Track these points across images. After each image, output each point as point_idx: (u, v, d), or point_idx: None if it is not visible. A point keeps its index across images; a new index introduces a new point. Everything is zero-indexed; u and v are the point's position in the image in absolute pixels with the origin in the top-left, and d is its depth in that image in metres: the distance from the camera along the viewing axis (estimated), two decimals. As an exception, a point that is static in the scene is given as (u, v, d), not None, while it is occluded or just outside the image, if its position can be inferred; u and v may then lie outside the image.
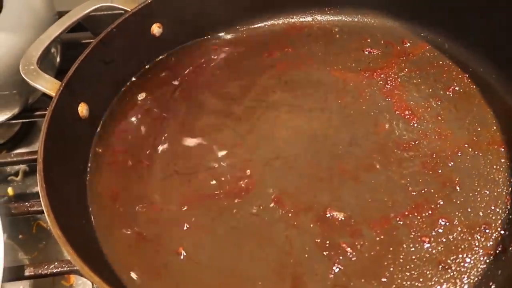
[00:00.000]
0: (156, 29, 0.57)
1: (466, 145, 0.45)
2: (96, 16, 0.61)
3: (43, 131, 0.42)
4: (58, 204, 0.37)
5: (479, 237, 0.39)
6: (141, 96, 0.56)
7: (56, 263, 0.41)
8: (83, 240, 0.39)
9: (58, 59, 0.60)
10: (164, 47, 0.58)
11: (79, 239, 0.36)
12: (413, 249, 0.39)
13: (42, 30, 0.52)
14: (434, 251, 0.39)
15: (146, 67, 0.58)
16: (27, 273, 0.41)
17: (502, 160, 0.44)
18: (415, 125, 0.48)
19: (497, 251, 0.38)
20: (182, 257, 0.42)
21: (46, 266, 0.41)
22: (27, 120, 0.63)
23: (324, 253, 0.40)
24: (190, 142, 0.51)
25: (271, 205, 0.44)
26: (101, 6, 0.56)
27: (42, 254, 0.52)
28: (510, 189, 0.42)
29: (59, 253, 0.52)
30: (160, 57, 0.59)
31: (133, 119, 0.53)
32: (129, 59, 0.55)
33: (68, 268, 0.41)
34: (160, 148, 0.51)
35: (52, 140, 0.42)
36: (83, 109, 0.48)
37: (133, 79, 0.56)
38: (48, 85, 0.47)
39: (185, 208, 0.45)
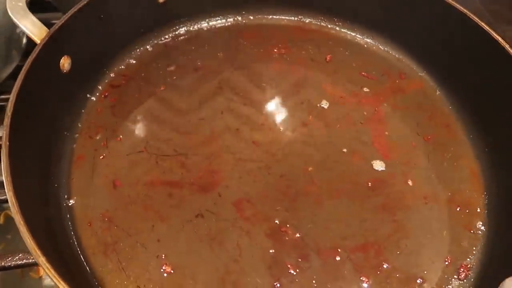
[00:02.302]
0: (161, -7, 0.54)
1: (427, 197, 0.47)
2: None
3: (20, 79, 0.40)
4: (22, 171, 0.36)
5: (413, 288, 0.41)
6: (132, 63, 0.55)
7: (20, 255, 0.38)
8: (44, 213, 0.38)
9: (24, 40, 0.56)
10: (165, 18, 0.56)
11: (41, 216, 0.35)
12: (350, 285, 0.41)
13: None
14: (369, 291, 0.41)
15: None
16: (-11, 265, 0.38)
17: (455, 220, 0.46)
18: (387, 163, 0.49)
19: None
20: (132, 238, 0.42)
21: (10, 258, 0.38)
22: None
23: (270, 268, 0.41)
24: (169, 123, 0.50)
25: (231, 208, 0.45)
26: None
27: (10, 246, 0.50)
28: (452, 248, 0.44)
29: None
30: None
31: (119, 87, 0.52)
32: (125, 21, 0.52)
33: (33, 260, 0.38)
34: (136, 125, 0.50)
35: (26, 93, 0.40)
36: (65, 63, 0.46)
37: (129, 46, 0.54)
38: (34, 29, 0.44)
39: (146, 190, 0.45)
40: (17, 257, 0.39)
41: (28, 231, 0.31)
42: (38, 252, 0.30)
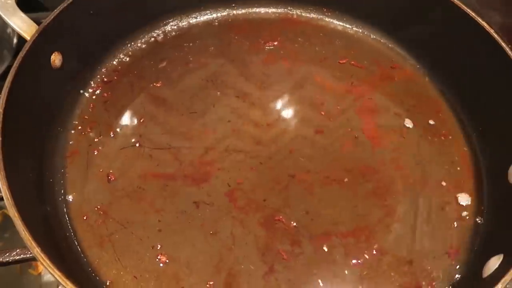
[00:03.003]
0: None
1: (417, 183, 0.48)
2: None
3: (11, 75, 0.40)
4: (16, 166, 0.36)
5: (403, 272, 0.42)
6: (123, 59, 0.55)
7: (18, 250, 0.38)
8: (40, 208, 0.39)
9: (15, 40, 0.56)
10: (155, 12, 0.56)
11: (38, 212, 0.35)
12: (342, 268, 0.42)
13: None
14: (359, 274, 0.42)
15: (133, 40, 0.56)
16: (-13, 261, 0.39)
17: (445, 204, 0.47)
18: (377, 150, 0.50)
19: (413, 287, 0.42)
20: (127, 231, 0.43)
21: (8, 254, 0.39)
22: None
23: (263, 255, 0.42)
24: (161, 118, 0.51)
25: (224, 198, 0.45)
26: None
27: (8, 244, 0.50)
28: (442, 231, 0.45)
29: None
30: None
31: (111, 83, 0.53)
32: (115, 16, 0.52)
33: (32, 255, 0.37)
34: (129, 119, 0.50)
35: (17, 90, 0.40)
36: (56, 59, 0.47)
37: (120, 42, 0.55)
38: (24, 26, 0.45)
39: (140, 182, 0.46)
40: (14, 253, 0.39)
41: (23, 223, 0.32)
42: (33, 243, 0.31)
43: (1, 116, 0.37)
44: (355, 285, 0.41)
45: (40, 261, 0.31)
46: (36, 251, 0.31)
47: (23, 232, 0.31)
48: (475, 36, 0.51)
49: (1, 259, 0.39)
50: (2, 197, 0.40)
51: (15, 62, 0.41)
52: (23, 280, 0.50)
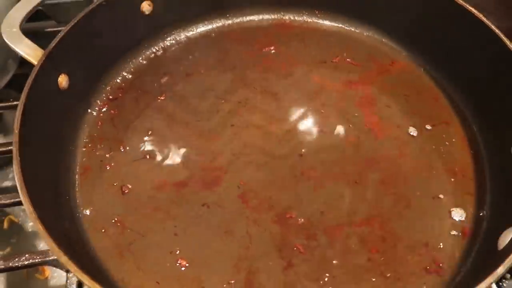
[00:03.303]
0: (146, 6, 0.57)
1: (423, 168, 0.49)
2: (60, 3, 0.60)
3: (22, 100, 0.42)
4: (35, 180, 0.38)
5: (420, 254, 0.43)
6: (126, 76, 0.57)
7: (27, 255, 0.39)
8: (59, 222, 0.40)
9: None
10: (153, 28, 0.58)
11: (58, 227, 0.36)
12: (359, 257, 0.43)
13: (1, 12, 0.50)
14: (378, 262, 0.43)
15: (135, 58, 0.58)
16: (-3, 266, 0.39)
17: (454, 186, 0.48)
18: (381, 141, 0.51)
19: (433, 268, 0.42)
20: (145, 239, 0.44)
21: (17, 259, 0.39)
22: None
23: (280, 251, 0.43)
24: (168, 129, 0.52)
25: (237, 200, 0.46)
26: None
27: (15, 250, 0.51)
28: (453, 211, 0.46)
29: (33, 248, 0.52)
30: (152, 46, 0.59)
31: (116, 100, 0.54)
32: (116, 36, 0.54)
33: (40, 260, 0.39)
34: (137, 133, 0.52)
35: (30, 112, 0.42)
36: (63, 81, 0.48)
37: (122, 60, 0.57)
38: (30, 51, 0.46)
39: (153, 192, 0.47)
40: (23, 258, 0.40)
41: (48, 233, 0.33)
42: (60, 251, 0.32)
43: (17, 137, 0.38)
44: (375, 271, 0.42)
45: (70, 268, 0.32)
46: (64, 258, 0.32)
47: (49, 241, 0.32)
48: (464, 22, 0.52)
49: (9, 264, 0.39)
50: (12, 203, 0.42)
51: (25, 87, 0.43)
52: (30, 284, 0.50)
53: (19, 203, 0.44)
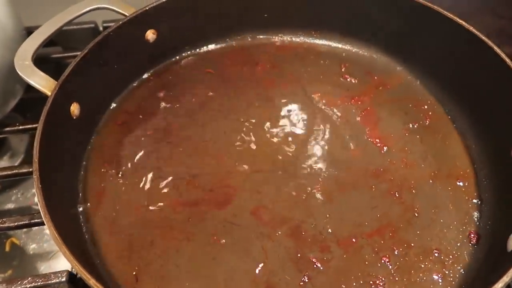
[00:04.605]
0: (150, 35, 0.59)
1: (427, 176, 0.50)
2: (67, 30, 0.62)
3: (39, 130, 0.43)
4: (53, 205, 0.38)
5: (431, 260, 0.44)
6: (132, 100, 0.59)
7: (29, 278, 0.40)
8: (79, 245, 0.41)
9: None
10: (157, 54, 0.60)
11: (74, 241, 0.37)
12: (374, 266, 0.44)
13: (9, 46, 0.53)
14: (392, 270, 0.44)
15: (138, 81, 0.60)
16: (-1, 290, 0.41)
17: (457, 192, 0.49)
18: (385, 153, 0.53)
19: (446, 274, 0.44)
20: (162, 259, 0.44)
21: (19, 282, 0.40)
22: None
23: (296, 265, 0.44)
24: (176, 150, 0.54)
25: (250, 217, 0.48)
26: (97, 7, 0.57)
27: (16, 272, 0.51)
28: (460, 218, 0.47)
29: (34, 270, 0.52)
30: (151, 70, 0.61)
31: (124, 124, 0.56)
32: (121, 63, 0.56)
33: (42, 283, 0.41)
34: (146, 155, 0.53)
35: (46, 140, 0.43)
36: (75, 109, 0.50)
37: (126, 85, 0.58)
38: (43, 82, 0.48)
39: (167, 213, 0.48)
40: (26, 281, 0.41)
41: (74, 257, 0.34)
42: (85, 273, 0.33)
43: (37, 165, 0.40)
44: (390, 279, 0.43)
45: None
46: (92, 281, 0.32)
47: (73, 262, 0.33)
48: (456, 35, 0.55)
49: (13, 287, 0.40)
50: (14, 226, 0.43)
51: (41, 116, 0.44)
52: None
53: (23, 226, 0.46)
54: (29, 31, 0.54)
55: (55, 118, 0.46)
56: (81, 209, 0.48)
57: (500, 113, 0.50)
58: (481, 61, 0.52)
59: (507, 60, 0.49)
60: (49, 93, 0.47)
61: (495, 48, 0.50)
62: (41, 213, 0.37)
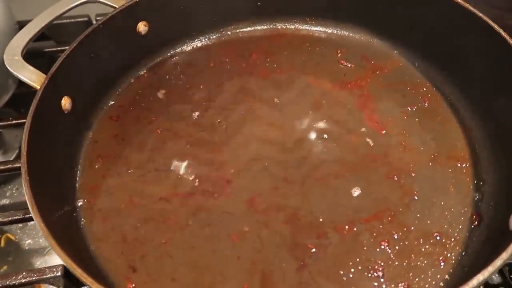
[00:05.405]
0: (142, 27, 0.58)
1: (427, 159, 0.49)
2: (60, 24, 0.62)
3: (27, 124, 0.43)
4: (44, 199, 0.38)
5: (432, 243, 0.43)
6: (126, 94, 0.58)
7: (24, 273, 0.40)
8: (72, 238, 0.40)
9: None
10: (150, 47, 0.60)
11: (67, 234, 0.37)
12: (372, 252, 0.43)
13: (1, 41, 0.52)
14: (391, 254, 0.43)
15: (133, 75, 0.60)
16: (-5, 285, 0.40)
17: (458, 174, 0.48)
18: (383, 137, 0.52)
19: (447, 257, 0.42)
20: (158, 251, 0.44)
21: (14, 277, 0.40)
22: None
23: (292, 252, 0.43)
24: (171, 143, 0.53)
25: (245, 205, 0.47)
26: (87, 0, 0.57)
27: (12, 268, 0.51)
28: (461, 200, 0.46)
29: (29, 266, 0.52)
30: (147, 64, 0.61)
31: (118, 118, 0.55)
32: (114, 56, 0.56)
33: (37, 278, 0.40)
34: (141, 148, 0.52)
35: (35, 134, 0.42)
36: (66, 103, 0.49)
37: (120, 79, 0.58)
38: (33, 77, 0.48)
39: (162, 204, 0.47)
40: (21, 276, 0.40)
41: (61, 248, 0.33)
42: (76, 267, 0.32)
43: (25, 157, 0.39)
44: (390, 264, 0.42)
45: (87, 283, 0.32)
46: (79, 272, 0.32)
47: (67, 261, 0.33)
48: (452, 15, 0.53)
49: (7, 282, 0.40)
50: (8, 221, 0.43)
51: (30, 110, 0.44)
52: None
53: (17, 221, 0.46)
54: (21, 25, 0.54)
55: (45, 112, 0.46)
56: (75, 203, 0.47)
57: (498, 93, 0.49)
58: (479, 42, 0.51)
59: (507, 38, 0.47)
60: (38, 87, 0.46)
61: (495, 27, 0.48)
62: (28, 205, 0.37)
